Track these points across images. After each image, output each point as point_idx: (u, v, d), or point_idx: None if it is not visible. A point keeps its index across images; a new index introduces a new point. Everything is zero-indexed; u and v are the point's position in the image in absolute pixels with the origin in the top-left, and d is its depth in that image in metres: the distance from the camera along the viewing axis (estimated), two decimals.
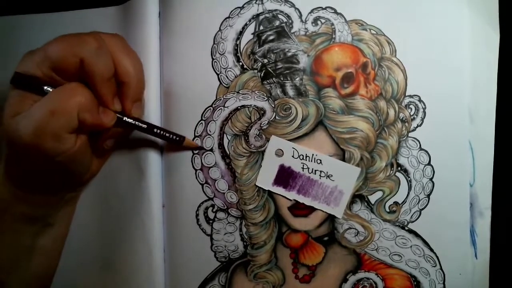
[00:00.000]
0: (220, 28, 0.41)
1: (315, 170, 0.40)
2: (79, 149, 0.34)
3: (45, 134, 0.32)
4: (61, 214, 0.40)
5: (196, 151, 0.41)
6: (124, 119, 0.37)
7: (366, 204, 0.40)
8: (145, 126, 0.38)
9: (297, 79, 0.40)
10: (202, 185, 0.41)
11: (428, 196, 0.39)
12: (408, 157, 0.40)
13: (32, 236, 0.38)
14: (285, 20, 0.41)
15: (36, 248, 0.39)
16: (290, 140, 0.40)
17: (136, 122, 0.38)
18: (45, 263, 0.40)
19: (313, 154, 0.40)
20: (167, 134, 0.39)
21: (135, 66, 0.37)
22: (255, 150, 0.40)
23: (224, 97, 0.41)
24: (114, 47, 0.35)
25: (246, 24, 0.41)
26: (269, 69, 0.40)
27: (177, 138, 0.39)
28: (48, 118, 0.32)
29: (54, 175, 0.36)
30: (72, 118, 0.32)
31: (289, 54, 0.40)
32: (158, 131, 0.39)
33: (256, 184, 0.40)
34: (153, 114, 0.41)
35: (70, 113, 0.32)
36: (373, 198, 0.40)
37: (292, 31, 0.41)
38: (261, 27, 0.41)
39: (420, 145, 0.40)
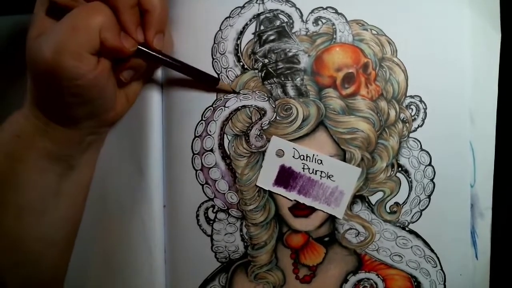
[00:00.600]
0: (220, 27, 0.41)
1: (316, 171, 0.40)
2: (101, 74, 0.34)
3: (66, 51, 0.31)
4: (84, 158, 0.40)
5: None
6: (145, 49, 0.36)
7: (366, 204, 0.40)
8: (165, 58, 0.37)
9: (298, 79, 0.40)
10: (202, 185, 0.41)
11: (429, 196, 0.39)
12: (409, 158, 0.40)
13: (56, 178, 0.38)
14: (286, 20, 0.41)
15: (62, 193, 0.39)
16: (290, 140, 0.40)
17: (158, 54, 0.37)
18: (71, 210, 0.40)
19: (313, 155, 0.40)
20: (191, 69, 0.38)
21: None
22: (255, 151, 0.40)
23: (225, 97, 0.40)
24: None
25: (246, 24, 0.41)
26: (270, 69, 0.40)
27: (210, 78, 0.39)
28: (69, 35, 0.31)
29: (76, 103, 0.35)
30: (94, 36, 0.32)
31: (290, 54, 0.40)
32: (180, 65, 0.38)
33: (257, 184, 0.40)
34: (154, 114, 0.41)
35: (92, 30, 0.32)
36: (373, 199, 0.40)
37: (293, 31, 0.40)
38: (262, 27, 0.41)
39: (421, 146, 0.39)
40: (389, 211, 0.40)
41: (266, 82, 0.40)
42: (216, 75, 0.40)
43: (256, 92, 0.40)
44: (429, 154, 0.39)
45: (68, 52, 0.31)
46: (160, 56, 0.37)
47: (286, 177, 0.40)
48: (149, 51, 0.36)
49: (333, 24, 0.40)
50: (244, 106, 0.40)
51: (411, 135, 0.40)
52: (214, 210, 0.40)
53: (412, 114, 0.40)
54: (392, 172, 0.40)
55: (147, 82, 0.41)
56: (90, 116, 0.38)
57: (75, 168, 0.40)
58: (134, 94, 0.41)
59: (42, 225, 0.38)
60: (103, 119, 0.39)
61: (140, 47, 0.36)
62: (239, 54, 0.41)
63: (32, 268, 0.39)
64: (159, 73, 0.41)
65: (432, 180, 0.39)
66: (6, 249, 0.38)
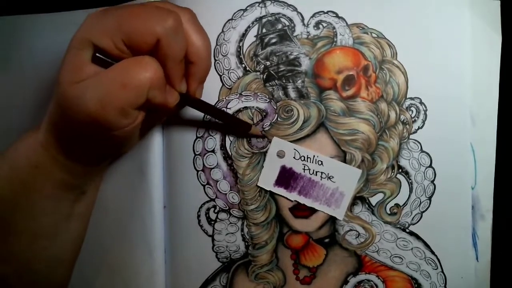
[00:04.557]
0: (223, 29, 0.41)
1: (316, 172, 0.40)
2: (138, 125, 0.33)
3: (112, 107, 0.30)
4: (95, 183, 0.41)
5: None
6: (189, 100, 0.36)
7: (367, 206, 0.40)
8: (206, 107, 0.37)
9: (299, 81, 0.41)
10: (204, 186, 0.41)
11: (429, 198, 0.39)
12: (409, 159, 0.40)
13: (70, 203, 0.38)
14: (287, 23, 0.41)
15: (74, 215, 0.39)
16: (291, 141, 0.40)
17: (198, 104, 0.37)
18: (80, 227, 0.41)
19: (314, 156, 0.40)
20: (230, 118, 0.39)
21: (206, 46, 0.34)
22: (257, 151, 0.41)
23: (227, 98, 0.41)
24: (187, 25, 0.33)
25: (249, 27, 0.41)
26: (272, 72, 0.41)
27: (243, 125, 0.39)
28: (119, 91, 0.30)
29: (104, 148, 0.35)
30: (142, 94, 0.30)
31: (291, 57, 0.41)
32: (221, 114, 0.39)
33: (258, 185, 0.40)
34: None
35: (142, 89, 0.30)
36: (374, 200, 0.40)
37: (294, 34, 0.41)
38: (264, 30, 0.41)
39: (421, 147, 0.40)
40: (389, 212, 0.40)
41: (268, 84, 0.41)
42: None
43: (258, 94, 0.41)
44: (429, 155, 0.40)
45: (114, 107, 0.30)
46: (200, 106, 0.37)
47: (287, 177, 0.40)
48: (191, 101, 0.36)
49: (334, 28, 0.41)
50: (245, 108, 0.41)
51: (411, 136, 0.40)
52: (216, 210, 0.41)
53: (412, 115, 0.40)
54: (392, 174, 0.40)
55: None
56: (111, 155, 0.39)
57: (86, 192, 0.40)
58: (146, 130, 0.41)
59: (53, 247, 0.38)
60: (122, 153, 0.41)
61: (184, 99, 0.35)
62: (241, 56, 0.41)
63: (41, 286, 0.39)
64: None
65: (432, 181, 0.40)
66: (17, 270, 0.37)
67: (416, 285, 0.40)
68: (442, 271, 0.39)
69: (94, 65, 0.31)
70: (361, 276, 0.40)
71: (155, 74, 0.31)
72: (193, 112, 0.41)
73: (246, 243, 0.40)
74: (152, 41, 0.31)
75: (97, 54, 0.31)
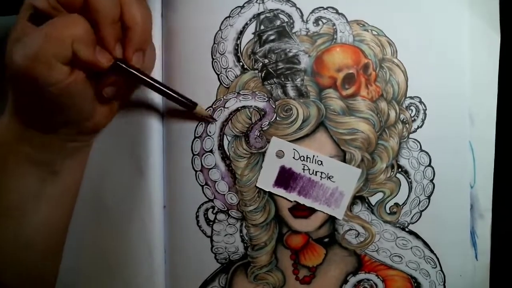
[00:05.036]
0: (220, 27, 0.40)
1: (316, 171, 0.40)
2: (74, 84, 0.34)
3: (37, 59, 0.31)
4: (67, 164, 0.40)
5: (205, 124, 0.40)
6: (122, 65, 0.35)
7: (366, 205, 0.40)
8: (143, 77, 0.37)
9: (298, 79, 0.40)
10: (202, 186, 0.40)
11: (429, 197, 0.40)
12: (408, 159, 0.40)
13: (38, 182, 0.38)
14: (286, 19, 0.40)
15: (43, 196, 0.39)
16: (291, 141, 0.40)
17: (136, 72, 0.36)
18: (54, 213, 0.40)
19: (314, 155, 0.40)
20: (169, 92, 0.38)
21: (143, 12, 0.35)
22: (255, 151, 0.40)
23: (224, 97, 0.40)
24: None
25: (246, 24, 0.40)
26: (270, 70, 0.40)
27: (187, 102, 0.38)
28: (42, 43, 0.31)
29: (51, 110, 0.35)
30: (65, 47, 0.32)
31: (290, 54, 0.40)
32: (158, 85, 0.37)
33: (257, 185, 0.40)
34: (154, 114, 0.41)
35: (64, 41, 0.31)
36: (373, 200, 0.40)
37: (293, 31, 0.40)
38: (262, 27, 0.40)
39: (420, 147, 0.40)
40: (389, 211, 0.40)
41: (266, 83, 0.40)
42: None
43: (256, 92, 0.40)
44: (428, 155, 0.40)
45: (39, 60, 0.31)
46: (138, 74, 0.36)
47: (286, 178, 0.40)
48: (127, 68, 0.36)
49: (334, 25, 0.40)
50: (244, 107, 0.40)
51: (411, 136, 0.40)
52: (214, 211, 0.40)
53: (412, 115, 0.40)
54: (392, 173, 0.40)
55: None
56: (66, 123, 0.38)
57: (58, 173, 0.40)
58: (117, 104, 0.41)
59: (21, 227, 0.38)
60: (82, 128, 0.39)
61: (119, 63, 0.35)
62: (239, 54, 0.40)
63: (12, 271, 0.39)
64: (159, 74, 0.41)
65: (431, 181, 0.40)
66: None
67: (415, 284, 0.40)
68: (441, 270, 0.40)
69: (34, 26, 0.33)
70: (361, 275, 0.40)
71: (79, 28, 0.32)
72: (190, 112, 0.40)
73: (245, 244, 0.40)
74: None
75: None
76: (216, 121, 0.40)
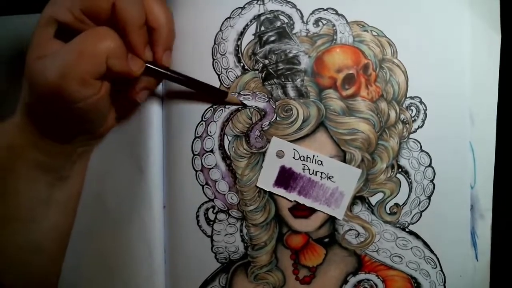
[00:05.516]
0: (221, 28, 0.41)
1: (316, 171, 0.40)
2: (102, 97, 0.34)
3: (71, 77, 0.31)
4: (74, 169, 0.40)
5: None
6: (154, 67, 0.36)
7: (366, 205, 0.40)
8: (175, 75, 0.37)
9: (298, 80, 0.40)
10: (203, 186, 0.41)
11: (429, 197, 0.39)
12: (409, 159, 0.40)
13: (47, 188, 0.38)
14: (286, 21, 0.41)
15: (52, 201, 0.39)
16: (291, 141, 0.40)
17: (168, 72, 0.37)
18: (61, 218, 0.40)
19: (314, 155, 0.40)
20: (200, 85, 0.39)
21: (166, 12, 0.36)
22: (256, 151, 0.40)
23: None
24: None
25: (247, 25, 0.41)
26: (270, 70, 0.40)
27: (219, 92, 0.39)
28: (76, 60, 0.31)
29: (72, 123, 0.36)
30: (101, 63, 0.32)
31: (290, 55, 0.40)
32: (189, 80, 0.38)
33: (257, 185, 0.40)
34: (154, 114, 0.41)
35: (99, 57, 0.31)
36: (373, 200, 0.40)
37: (293, 32, 0.41)
38: (262, 28, 0.41)
39: (421, 147, 0.40)
40: (389, 212, 0.40)
41: (267, 83, 0.40)
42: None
43: (257, 93, 0.40)
44: (429, 155, 0.39)
45: (73, 77, 0.31)
46: (169, 73, 0.37)
47: (286, 178, 0.40)
48: (159, 69, 0.36)
49: (334, 25, 0.40)
50: (244, 107, 0.40)
51: (411, 136, 0.40)
52: (214, 211, 0.40)
53: (412, 115, 0.40)
54: (392, 173, 0.40)
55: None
56: (85, 133, 0.38)
57: (65, 178, 0.40)
58: (126, 108, 0.41)
59: (30, 232, 0.38)
60: (94, 134, 0.39)
61: (149, 65, 0.36)
62: (240, 55, 0.41)
63: (19, 274, 0.39)
64: None
65: (432, 181, 0.40)
66: None
67: (415, 284, 0.40)
68: (441, 270, 0.39)
69: (58, 41, 0.33)
70: (361, 276, 0.40)
71: (111, 42, 0.32)
72: (192, 112, 0.40)
73: (245, 244, 0.40)
74: (108, 7, 0.32)
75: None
76: (246, 106, 0.40)
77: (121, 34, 0.33)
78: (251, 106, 0.40)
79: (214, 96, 0.40)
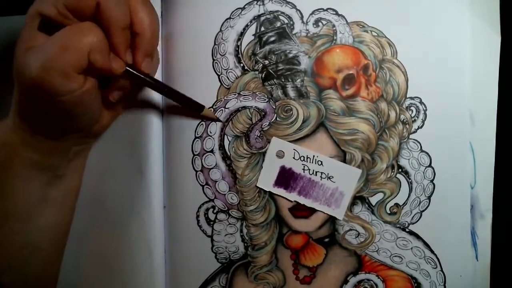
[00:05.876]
0: (221, 28, 0.41)
1: (316, 172, 0.40)
2: (87, 92, 0.34)
3: (54, 70, 0.31)
4: (70, 167, 0.40)
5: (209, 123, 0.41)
6: (133, 71, 0.36)
7: (367, 205, 0.40)
8: (152, 82, 0.37)
9: (298, 80, 0.40)
10: (203, 186, 0.41)
11: (429, 198, 0.39)
12: (409, 159, 0.40)
13: (43, 186, 0.38)
14: (286, 21, 0.41)
15: (48, 200, 0.39)
16: (291, 141, 0.40)
17: (146, 77, 0.37)
18: (58, 216, 0.40)
19: (314, 156, 0.40)
20: (177, 95, 0.39)
21: (151, 18, 0.36)
22: (256, 152, 0.40)
23: (225, 98, 0.41)
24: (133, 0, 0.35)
25: (247, 25, 0.41)
26: (270, 71, 0.40)
27: (195, 105, 0.39)
28: (59, 54, 0.31)
29: (60, 119, 0.36)
30: (83, 56, 0.32)
31: (290, 55, 0.40)
32: (166, 89, 0.38)
33: (257, 185, 0.40)
34: (154, 114, 0.41)
35: (81, 51, 0.32)
36: (374, 200, 0.40)
37: (293, 32, 0.41)
38: (262, 28, 0.41)
39: (421, 147, 0.40)
40: (389, 212, 0.40)
41: (267, 83, 0.40)
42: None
43: (257, 93, 0.40)
44: (429, 155, 0.40)
45: (56, 70, 0.31)
46: (147, 79, 0.37)
47: (286, 178, 0.40)
48: (137, 73, 0.36)
49: (334, 26, 0.40)
50: (244, 107, 0.40)
51: (411, 136, 0.40)
52: (215, 211, 0.40)
53: (412, 115, 0.40)
54: (392, 173, 0.40)
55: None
56: (76, 130, 0.38)
57: (61, 176, 0.40)
58: (120, 108, 0.41)
59: (27, 231, 0.38)
60: (89, 132, 0.39)
61: (129, 68, 0.36)
62: (240, 55, 0.41)
63: (18, 274, 0.39)
64: (158, 75, 0.42)
65: (432, 181, 0.40)
66: None
67: (415, 284, 0.40)
68: (442, 270, 0.39)
69: (44, 34, 0.33)
70: (361, 276, 0.40)
71: (94, 37, 0.32)
72: (191, 112, 0.40)
73: (246, 244, 0.40)
74: (92, 5, 0.32)
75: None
76: (222, 122, 0.40)
77: (104, 33, 0.33)
78: (251, 106, 0.40)
79: (191, 108, 0.40)
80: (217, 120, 0.40)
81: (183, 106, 0.40)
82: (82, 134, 0.39)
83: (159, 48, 0.41)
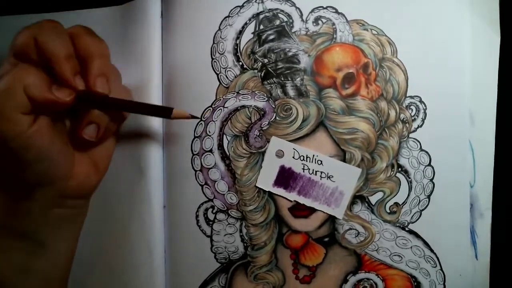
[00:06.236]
0: (219, 27, 0.40)
1: (316, 171, 0.40)
2: (36, 134, 0.32)
3: None
4: (56, 234, 0.37)
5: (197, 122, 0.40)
6: (85, 95, 0.34)
7: (366, 205, 0.40)
8: (113, 102, 0.36)
9: (298, 79, 0.40)
10: (202, 186, 0.40)
11: (429, 197, 0.39)
12: (408, 158, 0.40)
13: (25, 255, 0.36)
14: (285, 19, 0.40)
15: (32, 271, 0.36)
16: (290, 141, 0.40)
17: (105, 99, 0.35)
18: (42, 285, 0.37)
19: (313, 155, 0.40)
20: (141, 106, 0.38)
21: (95, 43, 0.35)
22: (255, 151, 0.40)
23: (224, 97, 0.40)
24: (73, 30, 0.35)
25: (246, 23, 0.40)
26: (270, 69, 0.40)
27: (163, 110, 0.37)
28: None
29: (18, 168, 0.34)
30: (19, 96, 0.31)
31: (290, 54, 0.40)
32: (133, 105, 0.37)
33: (257, 185, 0.40)
34: None
35: (16, 91, 0.31)
36: (373, 199, 0.40)
37: (293, 30, 0.40)
38: (261, 26, 0.40)
39: (420, 146, 0.39)
40: (389, 211, 0.40)
41: (266, 82, 0.40)
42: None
43: (256, 92, 0.40)
44: (428, 154, 0.39)
45: None
46: (109, 102, 0.35)
47: (286, 177, 0.40)
48: (97, 99, 0.35)
49: (333, 24, 0.40)
50: (243, 107, 0.40)
51: (411, 135, 0.40)
52: (214, 211, 0.40)
53: (412, 114, 0.40)
54: (392, 173, 0.40)
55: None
56: (39, 183, 0.35)
57: (45, 245, 0.37)
58: (103, 160, 0.39)
59: None
60: (62, 189, 0.36)
61: (82, 94, 0.34)
62: (238, 54, 0.40)
63: None
64: (158, 75, 0.41)
65: (431, 180, 0.40)
66: None
67: (415, 283, 0.40)
68: (441, 269, 0.40)
69: None
70: (361, 275, 0.40)
71: (28, 75, 0.32)
72: (191, 112, 0.40)
73: (245, 244, 0.40)
74: (30, 43, 0.33)
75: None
76: (199, 118, 0.40)
77: (50, 68, 0.33)
78: (250, 106, 0.40)
79: (160, 115, 0.38)
80: (192, 117, 0.38)
81: (153, 115, 0.39)
82: (53, 191, 0.36)
83: (159, 48, 0.41)
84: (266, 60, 0.40)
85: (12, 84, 0.32)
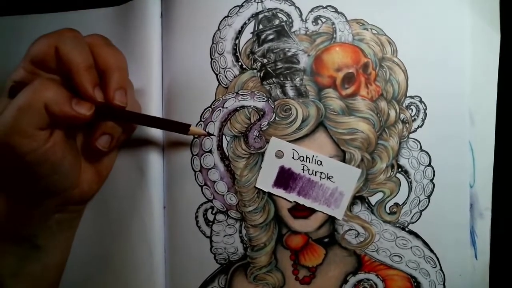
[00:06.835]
0: (219, 27, 0.40)
1: (316, 172, 0.40)
2: (52, 148, 0.33)
3: (13, 131, 0.31)
4: (52, 238, 0.38)
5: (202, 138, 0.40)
6: (105, 108, 0.35)
7: (366, 205, 0.40)
8: (132, 116, 0.36)
9: (297, 79, 0.40)
10: (201, 187, 0.40)
11: (429, 197, 0.39)
12: (408, 158, 0.39)
13: (17, 260, 0.37)
14: (285, 19, 0.40)
15: (22, 274, 0.37)
16: (290, 141, 0.40)
17: (124, 113, 0.36)
18: None
19: (313, 156, 0.39)
20: (162, 122, 0.38)
21: (114, 55, 0.36)
22: (254, 152, 0.40)
23: (223, 97, 0.40)
24: (92, 40, 0.35)
25: (245, 23, 0.40)
26: (269, 69, 0.40)
27: (181, 127, 0.38)
28: (16, 115, 0.31)
29: (31, 180, 0.34)
30: (39, 113, 0.32)
31: (289, 53, 0.40)
32: (152, 120, 0.38)
33: (256, 186, 0.40)
34: (153, 114, 0.40)
35: (36, 107, 0.32)
36: (373, 199, 0.40)
37: (292, 30, 0.40)
38: (261, 26, 0.40)
39: (420, 146, 0.39)
40: (388, 211, 0.40)
41: (265, 82, 0.40)
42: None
43: (255, 92, 0.40)
44: (428, 154, 0.39)
45: (16, 131, 0.31)
46: (128, 115, 0.36)
47: (285, 178, 0.40)
48: (112, 108, 0.35)
49: (333, 23, 0.40)
50: (242, 107, 0.40)
51: (411, 135, 0.39)
52: (213, 212, 0.40)
53: (412, 114, 0.39)
54: (392, 173, 0.40)
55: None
56: (48, 193, 0.36)
57: (41, 248, 0.37)
58: (106, 168, 0.40)
59: None
60: (67, 197, 0.37)
61: (103, 107, 0.35)
62: (238, 54, 0.40)
63: None
64: (158, 75, 0.41)
65: (431, 180, 0.39)
66: None
67: (415, 284, 0.40)
68: (441, 269, 0.40)
69: (11, 100, 0.33)
70: (361, 275, 0.40)
71: (48, 91, 0.32)
72: (191, 112, 0.40)
73: (245, 245, 0.40)
74: (51, 52, 0.33)
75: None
76: (215, 136, 0.40)
77: (69, 78, 0.34)
78: (250, 106, 0.40)
79: (177, 130, 0.38)
80: (209, 134, 0.40)
81: (169, 130, 0.39)
82: (59, 200, 0.37)
83: (158, 48, 0.41)
84: (265, 60, 0.40)
85: (33, 101, 0.32)
